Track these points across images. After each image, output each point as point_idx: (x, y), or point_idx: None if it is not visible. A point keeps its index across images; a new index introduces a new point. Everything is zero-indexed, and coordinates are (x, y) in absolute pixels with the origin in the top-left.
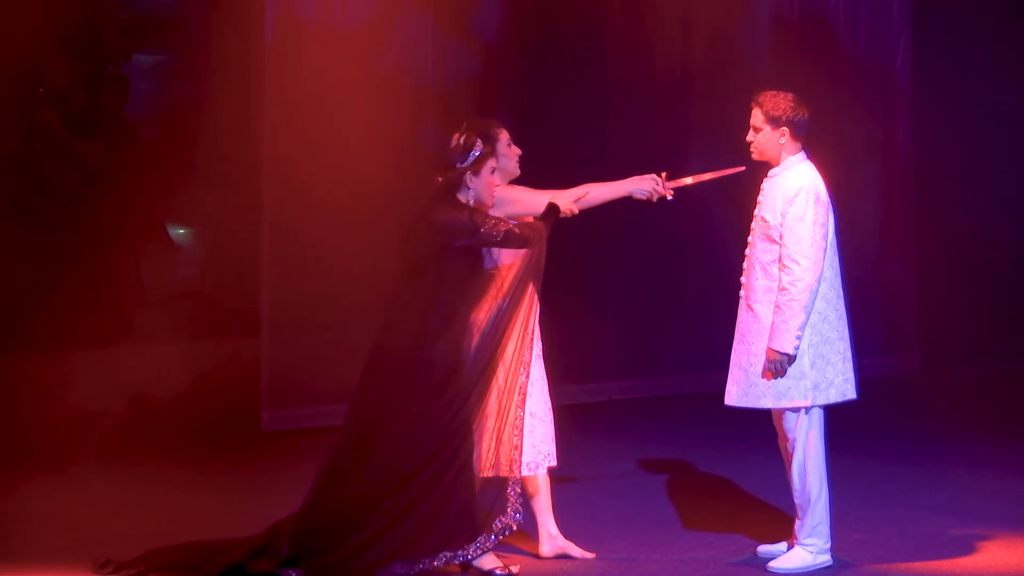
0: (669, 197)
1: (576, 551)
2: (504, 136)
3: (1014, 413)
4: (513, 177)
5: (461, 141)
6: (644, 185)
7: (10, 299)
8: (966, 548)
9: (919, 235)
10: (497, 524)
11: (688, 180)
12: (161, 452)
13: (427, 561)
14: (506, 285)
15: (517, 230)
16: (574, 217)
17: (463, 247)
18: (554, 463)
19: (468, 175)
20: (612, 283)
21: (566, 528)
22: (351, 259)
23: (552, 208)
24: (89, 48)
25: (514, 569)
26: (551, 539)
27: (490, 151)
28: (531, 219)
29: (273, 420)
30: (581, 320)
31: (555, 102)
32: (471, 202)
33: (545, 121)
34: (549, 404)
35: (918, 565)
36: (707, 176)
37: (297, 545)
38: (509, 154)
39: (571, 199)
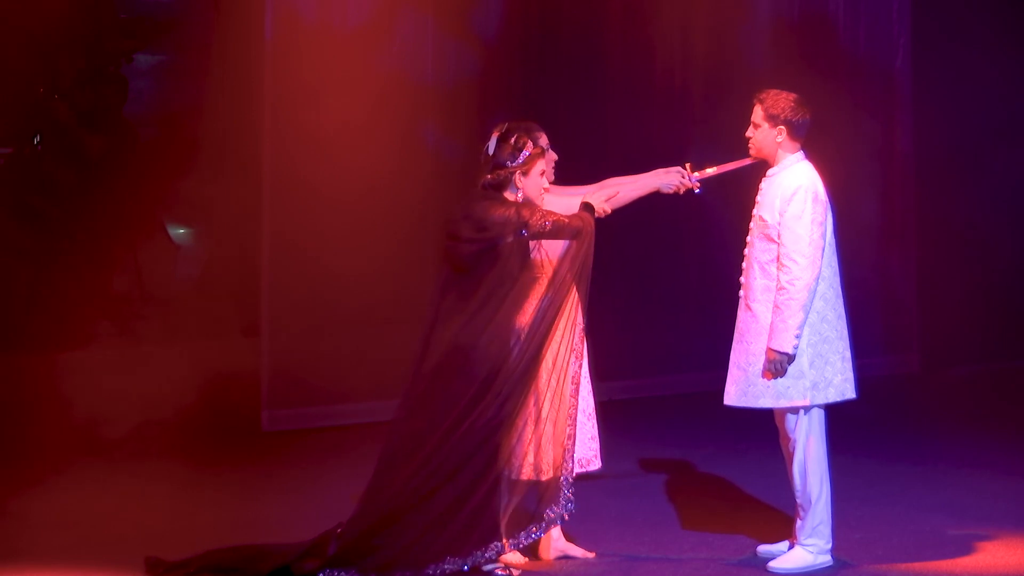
0: (696, 190)
1: (577, 551)
2: (543, 140)
3: (1014, 413)
4: (548, 181)
5: (512, 141)
6: (670, 179)
7: (9, 299)
8: (966, 548)
9: (919, 235)
10: (533, 528)
11: (712, 170)
12: (161, 452)
13: (478, 554)
14: (551, 280)
15: (566, 220)
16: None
17: (512, 244)
18: (599, 465)
19: (518, 175)
20: (612, 283)
21: (566, 527)
22: (351, 259)
23: (588, 207)
24: (89, 48)
25: (515, 572)
26: (552, 541)
27: (540, 152)
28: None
29: (273, 420)
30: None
31: (555, 102)
32: (519, 201)
33: (545, 121)
34: (593, 403)
35: (918, 565)
36: (731, 165)
37: (346, 546)
38: (546, 159)
39: (603, 198)
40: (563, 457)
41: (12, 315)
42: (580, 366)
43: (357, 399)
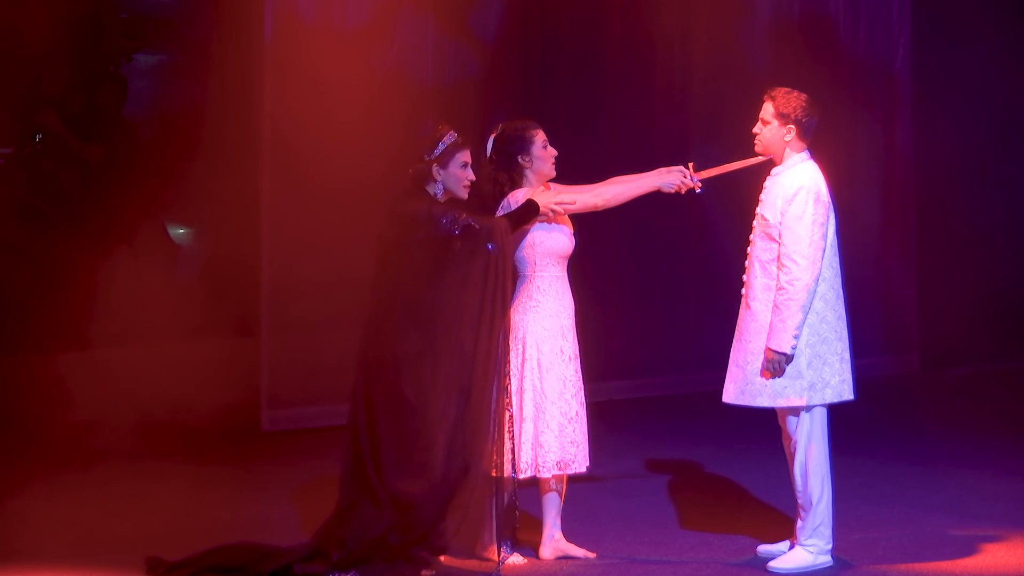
0: (698, 190)
1: (577, 551)
2: (539, 138)
3: (1014, 413)
4: (549, 178)
5: (433, 132)
6: (672, 178)
7: (10, 299)
8: (966, 548)
9: (919, 235)
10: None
11: (714, 170)
12: (161, 452)
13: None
14: (468, 283)
15: (477, 225)
16: (583, 215)
17: (425, 239)
18: (586, 465)
19: (435, 167)
20: (612, 283)
21: (566, 527)
22: (351, 259)
23: (529, 205)
24: (89, 48)
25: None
26: (552, 542)
27: (459, 143)
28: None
29: (273, 420)
30: (581, 319)
31: (555, 102)
32: (439, 195)
33: (545, 121)
34: (584, 406)
35: (918, 565)
36: (735, 165)
37: (348, 551)
38: (544, 156)
39: (553, 201)
40: (513, 467)
41: (12, 315)
42: (508, 377)
43: None
